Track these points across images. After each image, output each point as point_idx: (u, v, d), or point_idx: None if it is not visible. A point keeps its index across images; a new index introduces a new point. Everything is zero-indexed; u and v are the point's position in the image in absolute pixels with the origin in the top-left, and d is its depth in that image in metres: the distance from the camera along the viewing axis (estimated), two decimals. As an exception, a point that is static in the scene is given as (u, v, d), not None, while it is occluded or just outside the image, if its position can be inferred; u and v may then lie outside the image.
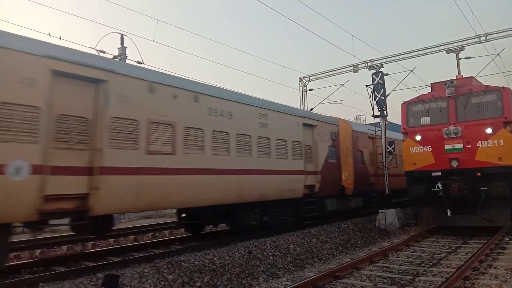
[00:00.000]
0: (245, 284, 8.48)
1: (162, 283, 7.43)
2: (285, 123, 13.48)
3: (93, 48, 14.43)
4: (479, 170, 11.94)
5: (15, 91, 6.79)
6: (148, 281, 7.33)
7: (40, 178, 7.02)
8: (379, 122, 17.18)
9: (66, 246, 11.49)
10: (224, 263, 8.87)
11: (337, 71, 25.12)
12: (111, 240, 12.87)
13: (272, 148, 12.65)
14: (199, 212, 11.53)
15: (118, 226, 17.78)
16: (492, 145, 11.82)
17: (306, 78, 26.86)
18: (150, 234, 13.97)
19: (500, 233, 11.85)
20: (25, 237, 12.36)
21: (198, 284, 7.83)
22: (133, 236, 13.53)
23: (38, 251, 10.79)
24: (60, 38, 13.32)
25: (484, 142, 11.96)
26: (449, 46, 21.34)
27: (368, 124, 24.76)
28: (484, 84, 13.40)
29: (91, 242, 12.15)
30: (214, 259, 8.87)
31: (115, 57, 16.10)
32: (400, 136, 17.70)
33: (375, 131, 17.28)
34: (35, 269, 8.60)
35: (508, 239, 11.31)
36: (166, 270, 7.85)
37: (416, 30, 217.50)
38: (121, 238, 13.32)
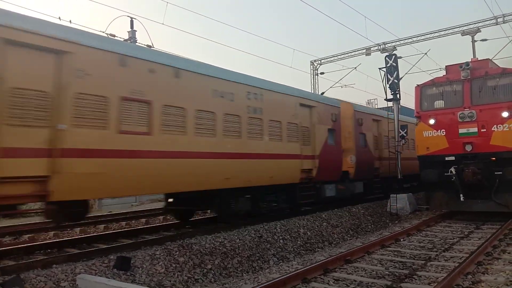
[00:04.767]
0: (256, 267, 8.53)
1: (173, 265, 7.50)
2: (280, 103, 12.43)
3: (103, 32, 14.44)
4: (494, 155, 11.72)
5: None
6: (160, 263, 7.40)
7: None
8: (391, 106, 16.95)
9: (79, 228, 11.65)
10: (235, 246, 8.91)
11: (349, 54, 24.76)
12: (123, 223, 13.05)
13: (265, 130, 11.66)
14: (187, 197, 10.60)
15: (130, 209, 18.02)
16: (508, 129, 11.56)
17: (317, 62, 26.55)
18: (161, 217, 14.08)
19: (514, 218, 11.68)
20: (37, 219, 12.53)
21: (209, 266, 7.89)
22: (145, 219, 13.68)
23: (51, 233, 10.96)
24: (70, 21, 13.32)
25: (499, 126, 11.70)
26: (465, 28, 20.84)
27: (380, 108, 24.49)
28: (501, 66, 13.07)
29: (103, 225, 12.32)
30: (225, 242, 8.91)
31: (125, 40, 16.04)
32: (412, 120, 17.42)
33: (388, 114, 16.94)
34: (49, 250, 8.75)
35: (522, 224, 11.14)
36: (177, 253, 7.91)
37: (431, 12, 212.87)
38: (133, 221, 13.48)
